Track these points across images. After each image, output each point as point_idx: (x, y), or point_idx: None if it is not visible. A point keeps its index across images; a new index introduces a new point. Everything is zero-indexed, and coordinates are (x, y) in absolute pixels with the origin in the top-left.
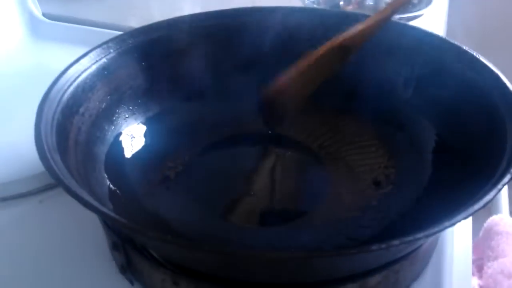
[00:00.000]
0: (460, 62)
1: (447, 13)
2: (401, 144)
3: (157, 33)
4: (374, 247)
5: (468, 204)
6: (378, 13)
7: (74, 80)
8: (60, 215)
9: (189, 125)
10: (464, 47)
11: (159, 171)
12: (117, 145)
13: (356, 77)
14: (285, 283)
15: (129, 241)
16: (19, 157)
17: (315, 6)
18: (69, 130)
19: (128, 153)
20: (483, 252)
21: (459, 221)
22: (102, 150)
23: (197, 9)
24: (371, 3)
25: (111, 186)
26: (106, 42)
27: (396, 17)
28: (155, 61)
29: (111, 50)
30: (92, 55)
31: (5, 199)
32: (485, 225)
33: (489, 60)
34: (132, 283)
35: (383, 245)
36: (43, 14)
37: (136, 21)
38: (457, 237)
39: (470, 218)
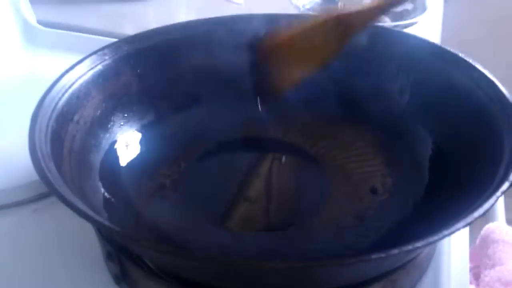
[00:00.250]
0: (457, 70)
1: (442, 20)
2: (398, 152)
3: (153, 40)
4: (374, 256)
5: (468, 212)
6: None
7: (69, 87)
8: (54, 224)
9: (184, 132)
10: (460, 55)
11: (155, 178)
12: (112, 153)
13: (353, 85)
14: None
15: (124, 250)
16: (12, 165)
17: (310, 13)
18: (64, 138)
19: (123, 161)
20: (480, 260)
21: (459, 229)
22: (97, 158)
23: (192, 16)
24: None
25: (106, 194)
26: (101, 49)
27: (391, 24)
28: (151, 68)
29: (107, 57)
30: (87, 62)
31: None
32: (481, 233)
33: (485, 68)
34: None
35: (383, 254)
36: (38, 21)
37: (131, 28)
38: (454, 246)
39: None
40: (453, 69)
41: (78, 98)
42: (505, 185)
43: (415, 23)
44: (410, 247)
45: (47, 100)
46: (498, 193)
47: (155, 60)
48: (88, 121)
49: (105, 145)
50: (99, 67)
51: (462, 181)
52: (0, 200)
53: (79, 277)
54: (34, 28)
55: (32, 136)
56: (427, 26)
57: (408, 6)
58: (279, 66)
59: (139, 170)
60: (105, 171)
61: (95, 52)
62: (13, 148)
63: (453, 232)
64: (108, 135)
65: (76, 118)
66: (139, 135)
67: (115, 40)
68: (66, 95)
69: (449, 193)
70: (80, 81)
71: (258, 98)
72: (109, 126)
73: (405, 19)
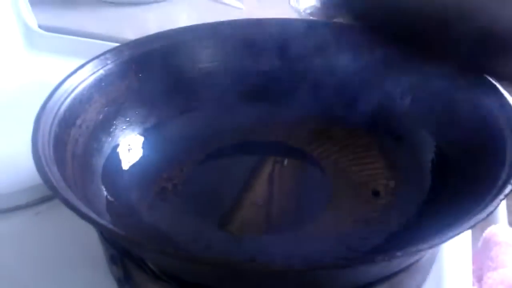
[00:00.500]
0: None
1: None
2: (401, 155)
3: (154, 45)
4: (379, 258)
5: (472, 214)
6: None
7: (71, 92)
8: (56, 228)
9: (187, 136)
10: None
11: (157, 182)
12: (114, 157)
13: (355, 88)
14: None
15: (127, 254)
16: (15, 169)
17: (311, 18)
18: (66, 141)
19: (125, 165)
20: (482, 262)
21: (463, 231)
22: (99, 162)
23: (193, 21)
24: None
25: (108, 197)
26: (103, 54)
27: None
28: (153, 73)
29: (108, 62)
30: (89, 66)
31: (1, 211)
32: (484, 235)
33: None
34: None
35: (387, 256)
36: (39, 26)
37: (132, 33)
38: (457, 248)
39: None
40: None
41: (81, 103)
42: (508, 188)
43: None
44: (414, 249)
45: (49, 105)
46: (502, 196)
47: (156, 65)
48: (90, 125)
49: (107, 149)
50: (101, 71)
51: (465, 184)
52: (3, 203)
53: (82, 280)
54: (35, 32)
55: (35, 140)
56: None
57: None
58: None
59: (141, 174)
60: (108, 174)
61: (97, 57)
62: (16, 152)
63: (457, 234)
64: (110, 139)
65: (78, 122)
66: (141, 139)
67: (116, 44)
68: (69, 100)
69: (451, 196)
70: (83, 85)
71: None
72: (111, 130)
73: None
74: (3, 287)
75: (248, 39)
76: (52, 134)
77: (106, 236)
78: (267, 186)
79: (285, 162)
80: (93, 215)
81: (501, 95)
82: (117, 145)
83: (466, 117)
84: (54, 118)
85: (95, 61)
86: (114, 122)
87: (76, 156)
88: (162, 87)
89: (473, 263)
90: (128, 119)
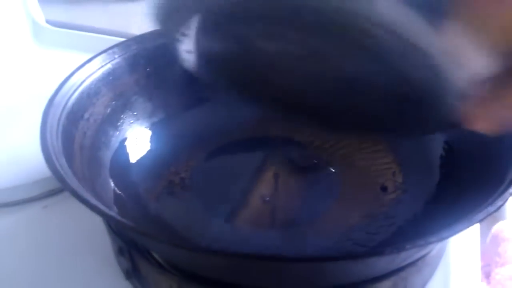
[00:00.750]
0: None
1: None
2: (409, 150)
3: (162, 39)
4: (388, 250)
5: (481, 207)
6: None
7: (79, 86)
8: (64, 221)
9: (194, 131)
10: None
11: (165, 176)
12: (122, 150)
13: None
14: None
15: (134, 246)
16: (23, 163)
17: None
18: (74, 135)
19: (133, 158)
20: (491, 258)
21: (473, 224)
22: (107, 155)
23: None
24: None
25: (116, 190)
26: (111, 48)
27: None
28: (160, 67)
29: (116, 56)
30: (97, 60)
31: (9, 205)
32: (492, 231)
33: None
34: None
35: (396, 249)
36: (47, 21)
37: (139, 28)
38: (465, 244)
39: (478, 224)
40: None
41: (88, 96)
42: None
43: None
44: (423, 241)
45: (57, 98)
46: (511, 189)
47: (164, 59)
48: (98, 119)
49: (115, 142)
50: (109, 65)
51: (473, 180)
52: (11, 196)
53: (89, 272)
54: (43, 28)
55: (43, 132)
56: None
57: None
58: None
59: (149, 168)
60: (116, 168)
61: (105, 51)
62: (24, 145)
63: (466, 227)
64: (118, 132)
65: (86, 115)
66: (149, 133)
67: (123, 39)
68: (77, 93)
69: (460, 192)
70: (90, 79)
71: None
72: (119, 124)
73: None
74: (11, 280)
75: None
76: (60, 127)
77: (115, 228)
78: (274, 182)
79: (293, 157)
80: (103, 207)
81: None
82: (125, 139)
83: None
84: (62, 112)
85: (103, 55)
86: (122, 116)
87: (84, 149)
88: (169, 81)
89: (482, 259)
90: (135, 113)
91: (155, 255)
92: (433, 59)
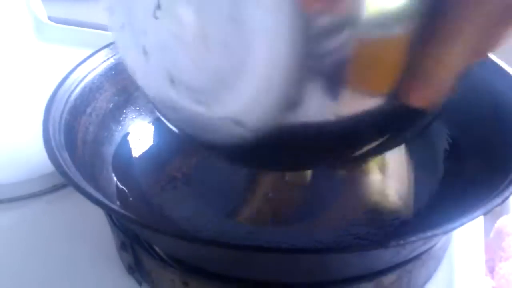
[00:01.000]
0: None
1: None
2: (413, 144)
3: None
4: (393, 242)
5: (487, 199)
6: None
7: (82, 80)
8: (67, 216)
9: None
10: None
11: (167, 171)
12: (124, 145)
13: None
14: (298, 282)
15: (137, 240)
16: (26, 158)
17: None
18: (77, 129)
19: (135, 153)
20: (494, 253)
21: (478, 216)
22: (109, 150)
23: None
24: None
25: (118, 185)
26: (113, 43)
27: None
28: None
29: None
30: (99, 55)
31: (12, 200)
32: (496, 226)
33: (501, 59)
34: (140, 284)
35: (401, 241)
36: (49, 17)
37: None
38: (469, 238)
39: (482, 219)
40: None
41: (91, 91)
42: None
43: None
44: (428, 233)
45: (60, 93)
46: None
47: None
48: (100, 113)
49: (117, 137)
50: (112, 60)
51: (478, 173)
52: (14, 192)
53: (92, 267)
54: (45, 24)
55: (46, 126)
56: None
57: None
58: None
59: (152, 162)
60: (118, 162)
61: (107, 46)
62: (26, 141)
63: (471, 219)
64: (120, 127)
65: (88, 110)
66: (151, 128)
67: None
68: (79, 88)
69: (464, 185)
70: (93, 74)
71: None
72: (121, 119)
73: None
74: (14, 275)
75: None
76: (63, 122)
77: (117, 223)
78: (276, 177)
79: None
80: (106, 201)
81: None
82: (128, 134)
83: (479, 106)
84: (64, 107)
85: (105, 50)
86: (124, 111)
87: (86, 144)
88: None
89: (485, 253)
90: (138, 108)
91: (158, 250)
92: None
